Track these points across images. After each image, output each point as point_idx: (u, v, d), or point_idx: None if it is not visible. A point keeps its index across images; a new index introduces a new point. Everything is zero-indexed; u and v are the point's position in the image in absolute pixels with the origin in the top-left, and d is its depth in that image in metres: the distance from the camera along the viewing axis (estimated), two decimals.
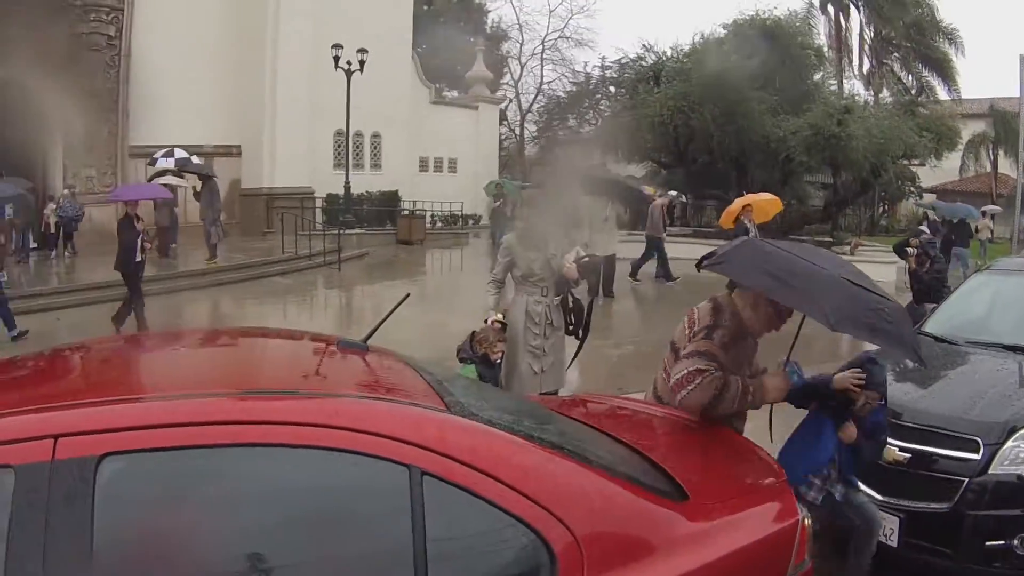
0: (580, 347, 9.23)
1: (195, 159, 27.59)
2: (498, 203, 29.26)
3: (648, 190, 36.34)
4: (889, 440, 5.37)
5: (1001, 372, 6.49)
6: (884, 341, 4.48)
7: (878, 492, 5.64)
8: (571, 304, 9.00)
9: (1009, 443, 5.48)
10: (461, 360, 8.00)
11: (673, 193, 29.67)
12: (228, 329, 5.24)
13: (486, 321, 8.44)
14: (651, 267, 23.23)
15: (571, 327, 9.06)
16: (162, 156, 27.05)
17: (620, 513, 3.15)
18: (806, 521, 3.60)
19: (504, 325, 8.44)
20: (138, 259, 15.48)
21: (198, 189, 25.30)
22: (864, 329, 4.38)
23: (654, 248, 23.48)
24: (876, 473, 5.53)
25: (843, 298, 4.35)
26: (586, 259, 8.70)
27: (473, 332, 8.17)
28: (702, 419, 4.66)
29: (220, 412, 2.88)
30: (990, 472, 5.44)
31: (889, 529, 5.55)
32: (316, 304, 21.11)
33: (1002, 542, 5.33)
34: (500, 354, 8.05)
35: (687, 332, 4.91)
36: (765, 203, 19.12)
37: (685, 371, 4.60)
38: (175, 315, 17.82)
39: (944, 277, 14.23)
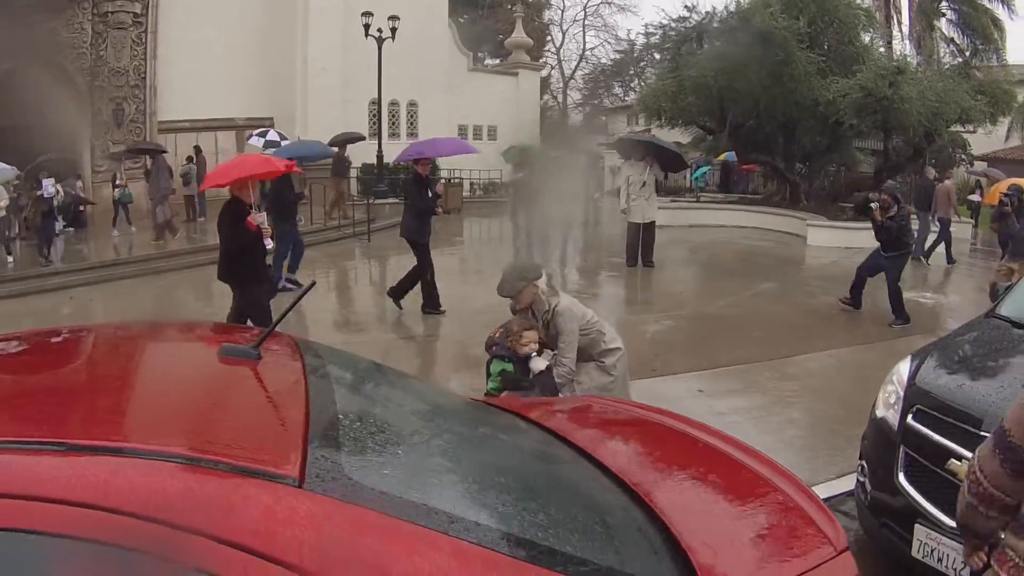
0: None
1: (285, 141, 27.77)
2: (521, 174, 22.05)
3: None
4: (964, 454, 4.36)
5: None
6: None
7: (950, 516, 4.36)
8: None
9: None
10: (493, 356, 6.89)
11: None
12: (82, 326, 3.91)
13: None
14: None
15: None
16: (256, 135, 27.32)
17: None
18: None
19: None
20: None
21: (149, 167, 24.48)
22: None
23: (945, 230, 21.62)
24: (946, 494, 4.34)
25: None
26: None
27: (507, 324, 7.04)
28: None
29: None
30: None
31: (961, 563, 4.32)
32: (336, 276, 20.27)
33: None
34: (530, 346, 6.65)
35: None
36: None
37: None
38: (194, 291, 17.20)
39: (908, 224, 14.36)
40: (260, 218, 10.63)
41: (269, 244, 11.21)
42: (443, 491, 2.40)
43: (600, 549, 2.47)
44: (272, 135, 27.67)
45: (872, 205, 14.26)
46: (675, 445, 3.74)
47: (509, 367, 6.60)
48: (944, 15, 37.49)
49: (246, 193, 10.74)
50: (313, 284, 3.51)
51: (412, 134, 37.73)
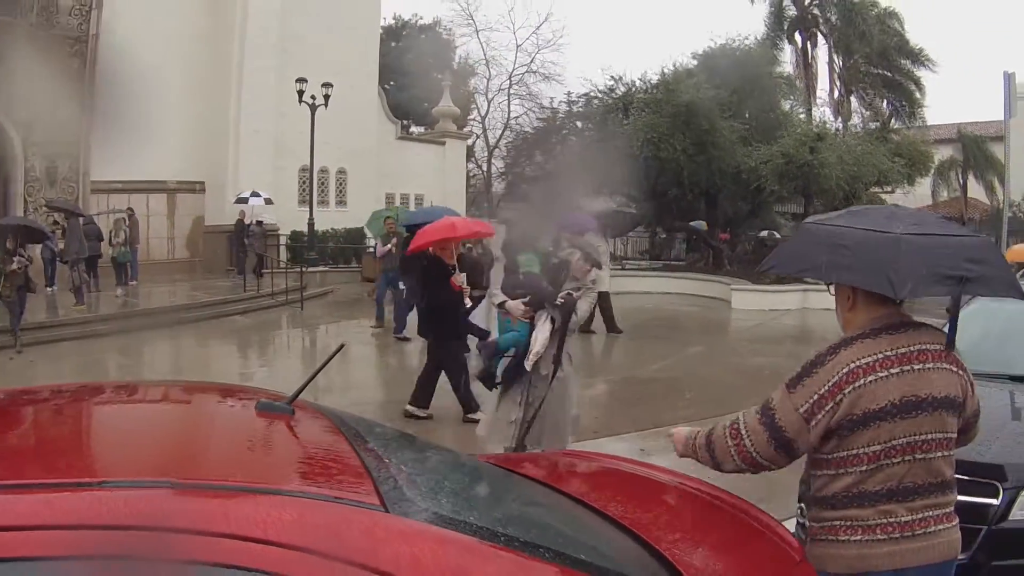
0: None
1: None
2: (389, 245, 19.80)
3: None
4: None
5: (1011, 406, 5.95)
6: (976, 289, 3.68)
7: None
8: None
9: None
10: (512, 253, 7.54)
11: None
12: (106, 384, 4.30)
13: None
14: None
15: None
16: (238, 198, 30.33)
17: None
18: None
19: None
20: None
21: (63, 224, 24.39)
22: (941, 284, 3.42)
23: None
24: None
25: (907, 255, 3.39)
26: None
27: None
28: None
29: (38, 512, 2.07)
30: (1011, 518, 4.95)
31: None
32: (276, 345, 20.47)
33: None
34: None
35: None
36: None
37: None
38: (126, 354, 17.26)
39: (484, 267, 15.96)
40: (461, 278, 11.04)
41: (468, 303, 11.46)
42: (487, 516, 2.77)
43: (614, 560, 2.84)
44: (244, 193, 29.94)
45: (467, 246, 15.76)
46: (652, 489, 4.24)
47: (533, 256, 7.18)
48: (865, 81, 38.64)
49: (448, 254, 11.19)
50: (342, 346, 3.83)
51: (341, 201, 37.85)
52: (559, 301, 7.41)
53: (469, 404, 11.22)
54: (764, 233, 33.71)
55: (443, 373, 11.44)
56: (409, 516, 2.44)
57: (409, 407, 11.48)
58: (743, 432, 3.49)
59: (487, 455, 5.23)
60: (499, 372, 7.97)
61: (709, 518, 3.80)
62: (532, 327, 7.39)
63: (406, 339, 17.68)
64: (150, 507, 2.16)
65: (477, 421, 11.00)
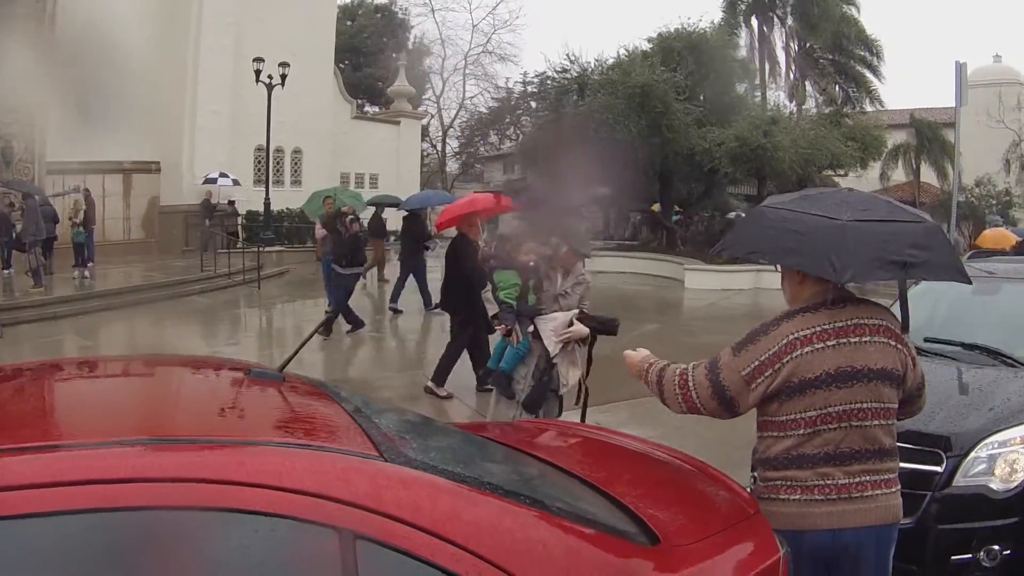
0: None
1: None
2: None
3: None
4: None
5: (958, 380, 6.23)
6: (920, 273, 3.87)
7: None
8: None
9: (972, 454, 5.28)
10: (493, 268, 7.38)
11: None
12: (112, 357, 4.60)
13: None
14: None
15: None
16: (205, 179, 31.11)
17: (587, 568, 2.74)
18: (787, 556, 3.26)
19: None
20: None
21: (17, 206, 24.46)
22: (884, 269, 3.62)
23: None
24: None
25: (852, 242, 3.56)
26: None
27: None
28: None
29: (91, 467, 2.25)
30: (954, 484, 5.26)
31: None
32: (236, 324, 20.50)
33: (968, 555, 5.16)
34: (530, 255, 6.94)
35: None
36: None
37: None
38: (88, 335, 17.22)
39: (361, 243, 16.84)
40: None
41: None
42: (471, 469, 3.04)
43: (585, 509, 3.11)
44: (212, 174, 30.67)
45: (348, 220, 16.28)
46: (618, 453, 4.48)
47: (513, 275, 7.00)
48: (820, 66, 38.88)
49: (475, 231, 11.65)
50: (328, 317, 4.05)
51: (296, 181, 37.82)
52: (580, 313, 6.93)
53: (442, 380, 11.59)
54: (733, 215, 33.90)
55: (481, 344, 11.60)
56: (404, 464, 2.71)
57: (479, 387, 11.61)
58: (691, 384, 3.81)
59: (461, 423, 5.47)
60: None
61: (670, 476, 4.10)
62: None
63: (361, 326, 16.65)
64: (178, 461, 2.39)
65: (440, 397, 11.42)
